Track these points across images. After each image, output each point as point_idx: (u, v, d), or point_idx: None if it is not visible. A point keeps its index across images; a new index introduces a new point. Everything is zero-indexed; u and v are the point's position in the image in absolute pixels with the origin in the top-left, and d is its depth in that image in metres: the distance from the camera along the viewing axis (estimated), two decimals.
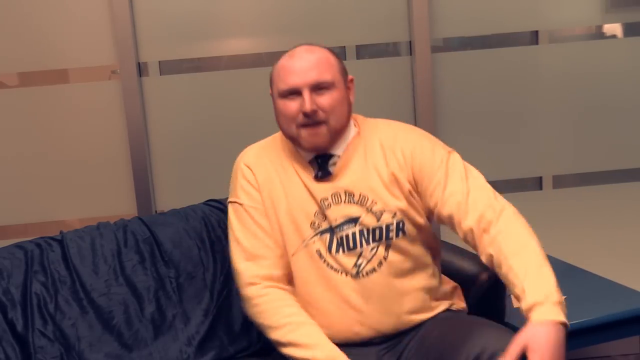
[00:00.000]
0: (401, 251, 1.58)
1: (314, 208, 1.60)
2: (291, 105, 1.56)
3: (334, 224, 1.58)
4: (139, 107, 2.41)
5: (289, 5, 2.44)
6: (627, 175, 2.60)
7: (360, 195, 1.58)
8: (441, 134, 2.46)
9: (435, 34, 2.48)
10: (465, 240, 1.54)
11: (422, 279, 1.62)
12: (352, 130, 1.65)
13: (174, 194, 2.50)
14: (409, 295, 1.59)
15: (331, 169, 1.60)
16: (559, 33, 2.53)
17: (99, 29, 2.40)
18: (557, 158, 2.59)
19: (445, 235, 2.06)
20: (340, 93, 1.58)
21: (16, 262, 1.85)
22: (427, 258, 1.65)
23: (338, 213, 1.58)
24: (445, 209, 1.54)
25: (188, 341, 1.84)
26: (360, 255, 1.57)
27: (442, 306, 1.65)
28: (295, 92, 1.55)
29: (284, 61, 1.59)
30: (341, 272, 1.57)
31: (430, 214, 1.61)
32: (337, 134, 1.59)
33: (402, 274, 1.59)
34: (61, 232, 1.96)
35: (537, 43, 2.52)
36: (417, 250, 1.61)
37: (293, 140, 1.61)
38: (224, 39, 2.46)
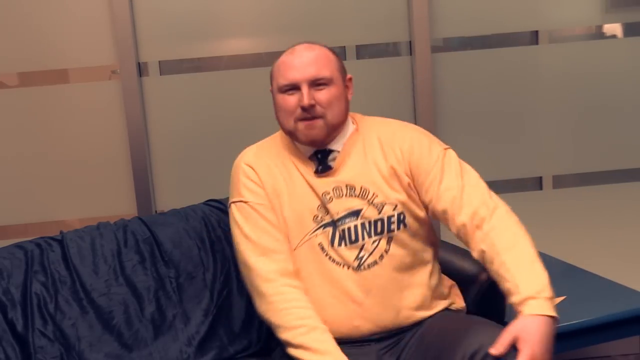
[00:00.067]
0: (402, 245, 1.60)
1: (316, 202, 1.62)
2: (290, 100, 1.60)
3: (335, 217, 1.60)
4: (139, 107, 2.41)
5: (289, 5, 2.45)
6: (627, 175, 2.60)
7: (361, 189, 1.61)
8: (441, 134, 2.45)
9: (435, 34, 2.48)
10: (458, 235, 1.57)
11: (422, 275, 1.63)
12: (350, 127, 1.69)
13: (174, 194, 2.50)
14: (409, 290, 1.61)
15: (331, 163, 1.64)
16: (559, 33, 2.53)
17: (99, 29, 2.40)
18: (557, 158, 2.59)
19: (445, 236, 2.06)
20: (338, 89, 1.62)
21: (16, 262, 1.85)
22: (428, 255, 1.66)
23: (340, 206, 1.60)
24: (440, 204, 1.58)
25: (188, 341, 1.84)
26: (362, 248, 1.59)
27: (441, 305, 1.66)
28: (294, 87, 1.59)
29: (284, 57, 1.64)
30: (343, 265, 1.59)
31: (426, 209, 1.64)
32: (334, 129, 1.63)
33: (403, 268, 1.60)
34: (61, 232, 1.96)
35: (537, 43, 2.52)
36: (418, 245, 1.63)
37: (291, 134, 1.65)
38: (224, 39, 2.46)
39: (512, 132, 2.56)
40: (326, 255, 1.60)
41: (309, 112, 1.58)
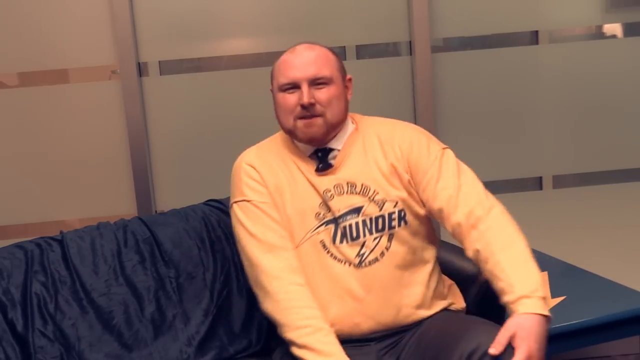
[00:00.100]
0: (403, 242, 1.61)
1: (318, 200, 1.63)
2: (290, 99, 1.62)
3: (337, 214, 1.61)
4: (139, 107, 2.41)
5: (289, 5, 2.45)
6: (627, 175, 2.60)
7: (362, 186, 1.62)
8: (441, 134, 2.46)
9: (435, 34, 2.48)
10: (453, 234, 1.59)
11: (423, 274, 1.64)
12: (350, 127, 1.71)
13: (174, 194, 2.50)
14: (410, 288, 1.62)
15: (331, 162, 1.65)
16: (559, 33, 2.53)
17: (99, 29, 2.40)
18: (557, 158, 2.59)
19: (445, 236, 2.06)
20: (337, 89, 1.64)
21: (16, 262, 1.85)
22: (428, 254, 1.67)
23: (341, 204, 1.62)
24: (436, 203, 1.59)
25: (188, 341, 1.84)
26: (363, 245, 1.60)
27: (440, 305, 1.66)
28: (294, 86, 1.61)
29: (285, 56, 1.66)
30: (344, 263, 1.60)
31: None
32: (333, 127, 1.64)
33: (404, 265, 1.61)
34: (61, 232, 1.96)
35: (537, 43, 2.52)
36: (418, 243, 1.64)
37: (290, 132, 1.66)
38: (224, 39, 2.46)
39: (512, 132, 2.56)
40: (328, 252, 1.61)
41: (308, 111, 1.60)
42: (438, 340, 1.50)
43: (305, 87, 1.60)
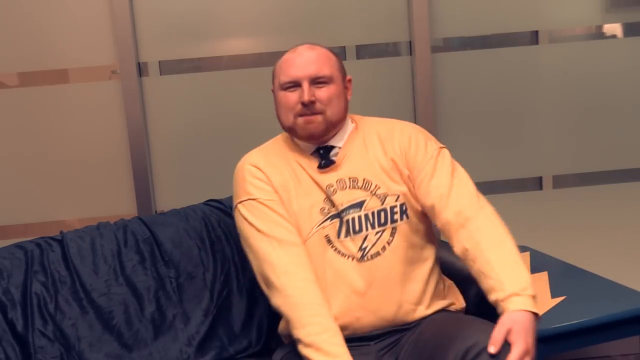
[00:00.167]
0: (404, 237, 1.63)
1: (322, 196, 1.65)
2: (291, 97, 1.65)
3: (340, 207, 1.63)
4: (139, 107, 2.41)
5: (289, 5, 2.45)
6: (627, 175, 2.60)
7: (364, 180, 1.66)
8: (441, 134, 2.46)
9: (435, 34, 2.48)
10: (442, 230, 1.62)
11: (423, 271, 1.66)
12: (350, 126, 1.75)
13: (174, 194, 2.50)
14: (411, 284, 1.63)
15: (333, 159, 1.68)
16: (559, 33, 2.53)
17: (99, 29, 2.40)
18: (557, 158, 2.59)
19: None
20: (337, 88, 1.67)
21: (16, 262, 1.85)
22: (428, 252, 1.68)
23: (344, 198, 1.64)
24: (429, 199, 1.62)
25: (188, 341, 1.84)
26: (365, 238, 1.62)
27: (440, 305, 1.67)
28: (295, 84, 1.64)
29: (286, 56, 1.69)
30: (347, 257, 1.61)
31: None
32: (333, 125, 1.67)
33: (405, 261, 1.63)
34: (61, 232, 1.97)
35: (537, 43, 2.52)
36: (419, 240, 1.66)
37: (290, 130, 1.69)
38: (224, 39, 2.46)
39: (512, 132, 2.56)
40: (332, 247, 1.62)
41: (309, 109, 1.63)
42: (435, 340, 1.51)
43: (306, 85, 1.63)
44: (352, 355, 1.51)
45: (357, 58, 2.49)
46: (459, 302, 1.74)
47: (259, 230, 1.63)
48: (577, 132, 2.57)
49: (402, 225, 1.63)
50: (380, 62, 2.50)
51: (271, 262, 1.60)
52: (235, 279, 1.94)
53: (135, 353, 1.81)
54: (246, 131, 2.47)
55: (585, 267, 2.02)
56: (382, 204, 1.64)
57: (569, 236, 2.58)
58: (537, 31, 2.51)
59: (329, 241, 1.63)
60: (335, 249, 1.62)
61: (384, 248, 1.61)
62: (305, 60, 1.65)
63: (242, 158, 1.75)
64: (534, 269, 2.01)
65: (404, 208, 1.64)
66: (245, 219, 1.66)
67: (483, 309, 1.70)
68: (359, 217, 1.63)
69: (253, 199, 1.66)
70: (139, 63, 2.43)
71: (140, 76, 2.44)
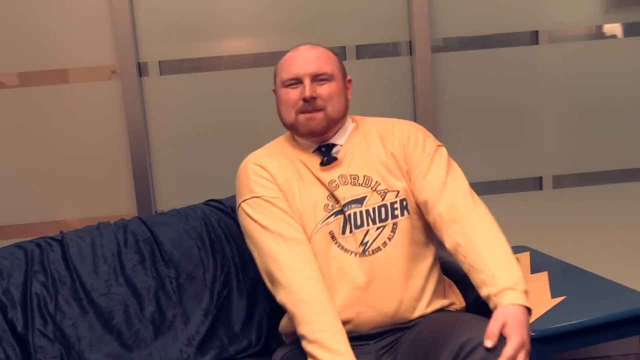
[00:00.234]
0: (405, 233, 1.64)
1: (325, 192, 1.67)
2: (292, 93, 1.68)
3: (342, 202, 1.65)
4: (139, 107, 2.41)
5: (289, 5, 2.45)
6: (627, 175, 2.60)
7: (364, 177, 1.68)
8: (441, 134, 2.46)
9: (435, 34, 2.48)
10: (434, 225, 1.63)
11: (423, 268, 1.66)
12: (351, 125, 1.77)
13: (174, 194, 2.50)
14: (411, 280, 1.64)
15: (335, 156, 1.71)
16: (559, 33, 2.53)
17: (99, 29, 2.40)
18: (557, 158, 2.59)
19: None
20: (338, 86, 1.70)
21: (16, 262, 1.85)
22: (428, 250, 1.69)
23: (346, 193, 1.66)
24: (422, 195, 1.65)
25: (188, 341, 1.84)
26: (366, 233, 1.63)
27: (440, 304, 1.68)
28: (297, 81, 1.68)
29: (288, 54, 1.73)
30: (350, 252, 1.62)
31: None
32: (334, 123, 1.70)
33: (406, 257, 1.64)
34: (61, 232, 1.97)
35: (537, 43, 2.52)
36: (419, 237, 1.67)
37: (291, 127, 1.71)
38: (224, 39, 2.46)
39: (512, 132, 2.56)
40: (336, 243, 1.63)
41: (310, 104, 1.66)
42: (432, 338, 1.51)
43: (307, 82, 1.66)
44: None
45: (357, 58, 2.49)
46: (459, 302, 1.74)
47: (263, 227, 1.64)
48: (577, 132, 2.57)
49: (403, 221, 1.65)
50: (380, 62, 2.50)
51: (276, 259, 1.60)
52: (235, 279, 1.94)
53: (135, 353, 1.81)
54: (246, 131, 2.47)
55: (585, 267, 2.02)
56: (383, 199, 1.66)
57: (569, 236, 2.58)
58: (537, 31, 2.51)
59: (333, 237, 1.64)
60: (339, 245, 1.63)
61: (384, 243, 1.63)
62: (307, 58, 1.68)
63: (246, 158, 1.76)
64: (534, 269, 2.01)
65: (404, 204, 1.66)
66: (250, 217, 1.67)
67: (483, 309, 1.70)
68: (360, 213, 1.64)
69: (257, 197, 1.67)
70: (139, 63, 2.43)
71: (140, 76, 2.44)
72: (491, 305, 1.46)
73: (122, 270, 1.89)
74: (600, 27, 2.54)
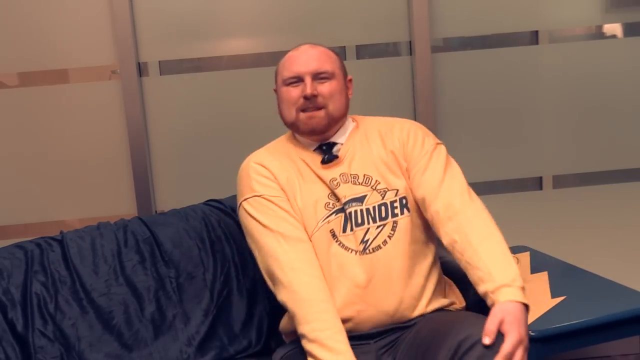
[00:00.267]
0: (406, 232, 1.65)
1: (326, 191, 1.68)
2: (293, 92, 1.69)
3: (343, 200, 1.65)
4: (139, 107, 2.41)
5: (289, 5, 2.45)
6: (627, 175, 2.60)
7: (364, 176, 1.68)
8: (441, 134, 2.46)
9: (435, 34, 2.48)
10: (431, 222, 1.64)
11: (423, 267, 1.67)
12: (351, 125, 1.78)
13: (174, 194, 2.50)
14: (412, 279, 1.64)
15: (336, 154, 1.71)
16: (559, 33, 2.53)
17: (99, 29, 2.40)
18: (557, 158, 2.59)
19: None
20: (339, 84, 1.71)
21: (16, 262, 1.85)
22: (428, 249, 1.70)
23: (347, 191, 1.67)
24: (420, 192, 1.66)
25: (188, 341, 1.84)
26: (367, 231, 1.63)
27: (440, 303, 1.68)
28: (298, 80, 1.69)
29: (289, 54, 1.74)
30: (350, 250, 1.63)
31: None
32: (335, 121, 1.71)
33: (407, 255, 1.64)
34: (61, 232, 1.97)
35: (537, 43, 2.52)
36: (419, 235, 1.68)
37: (292, 125, 1.72)
38: (224, 39, 2.46)
39: (512, 132, 2.56)
40: (337, 241, 1.64)
41: (311, 102, 1.67)
42: (430, 337, 1.51)
43: (308, 80, 1.67)
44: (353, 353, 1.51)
45: (357, 58, 2.49)
46: (459, 302, 1.75)
47: (264, 226, 1.64)
48: (577, 132, 2.57)
49: (403, 220, 1.65)
50: (380, 62, 2.50)
51: (277, 258, 1.60)
52: (235, 279, 1.94)
53: (135, 353, 1.81)
54: (246, 131, 2.47)
55: (585, 267, 2.02)
56: (383, 198, 1.66)
57: (569, 236, 2.58)
58: (537, 31, 2.51)
59: (334, 235, 1.64)
60: (340, 243, 1.63)
61: (385, 242, 1.63)
62: (308, 57, 1.69)
63: (247, 158, 1.77)
64: (534, 269, 2.01)
65: (404, 202, 1.66)
66: (251, 216, 1.67)
67: (483, 309, 1.70)
68: (361, 211, 1.64)
69: (258, 196, 1.67)
70: (139, 63, 2.43)
71: (140, 76, 2.44)
72: (488, 302, 1.46)
73: (122, 270, 1.89)
74: (600, 27, 2.54)
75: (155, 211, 2.49)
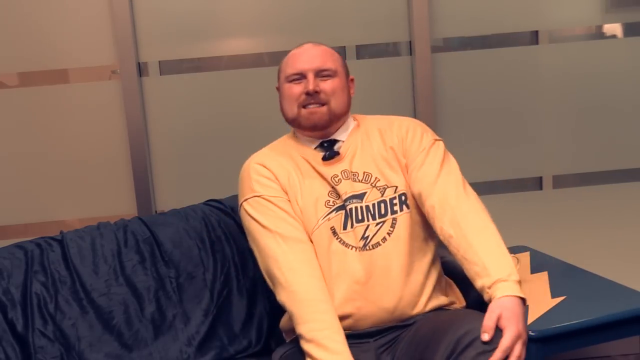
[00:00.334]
0: (405, 229, 1.65)
1: (327, 188, 1.69)
2: (296, 88, 1.71)
3: (344, 197, 1.66)
4: (139, 107, 2.41)
5: (289, 5, 2.45)
6: (627, 175, 2.60)
7: (364, 174, 1.70)
8: (441, 134, 2.44)
9: (435, 34, 2.48)
10: (428, 216, 1.64)
11: (423, 264, 1.67)
12: (352, 123, 1.80)
13: (174, 194, 2.50)
14: (412, 275, 1.64)
15: (337, 150, 1.72)
16: (559, 33, 2.53)
17: (99, 29, 2.40)
18: (557, 158, 2.59)
19: None
20: (341, 82, 1.73)
21: (16, 262, 1.85)
22: (428, 246, 1.70)
23: (347, 187, 1.68)
24: (416, 187, 1.67)
25: (188, 341, 1.84)
26: (367, 228, 1.64)
27: (440, 301, 1.68)
28: (300, 77, 1.70)
29: (292, 52, 1.76)
30: (351, 247, 1.63)
31: None
32: (337, 117, 1.72)
33: (406, 252, 1.64)
34: (61, 232, 1.97)
35: (537, 43, 2.52)
36: (419, 232, 1.68)
37: (293, 121, 1.73)
38: (224, 39, 2.46)
39: (512, 132, 2.56)
40: (337, 238, 1.64)
41: (313, 98, 1.68)
42: (429, 334, 1.52)
43: (311, 76, 1.68)
44: (352, 352, 1.51)
45: (357, 58, 2.49)
46: (459, 302, 1.75)
47: (263, 227, 1.65)
48: (577, 132, 2.57)
49: (402, 216, 1.66)
50: (380, 62, 2.50)
51: (276, 258, 1.61)
52: (235, 279, 1.94)
53: (135, 353, 1.81)
54: (246, 131, 2.47)
55: (585, 267, 2.02)
56: (382, 195, 1.67)
57: (569, 236, 2.58)
58: (537, 31, 2.51)
59: (334, 233, 1.64)
60: (340, 240, 1.64)
61: (384, 239, 1.63)
62: (311, 55, 1.71)
63: (249, 158, 1.78)
64: (534, 269, 2.01)
65: (403, 199, 1.67)
66: (251, 216, 1.67)
67: (484, 309, 1.70)
68: (361, 208, 1.65)
69: (258, 196, 1.68)
70: (139, 63, 2.43)
71: (140, 76, 2.44)
72: (486, 297, 1.46)
73: (122, 270, 1.89)
74: (600, 27, 2.54)
75: (155, 211, 2.49)
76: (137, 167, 2.44)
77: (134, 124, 2.42)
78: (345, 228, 1.64)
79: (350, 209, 1.65)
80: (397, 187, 1.68)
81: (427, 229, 1.69)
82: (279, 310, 1.69)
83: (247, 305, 1.93)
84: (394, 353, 1.60)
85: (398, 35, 2.49)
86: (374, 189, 1.68)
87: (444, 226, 1.58)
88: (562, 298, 1.78)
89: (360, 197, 1.67)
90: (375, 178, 1.69)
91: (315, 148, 1.74)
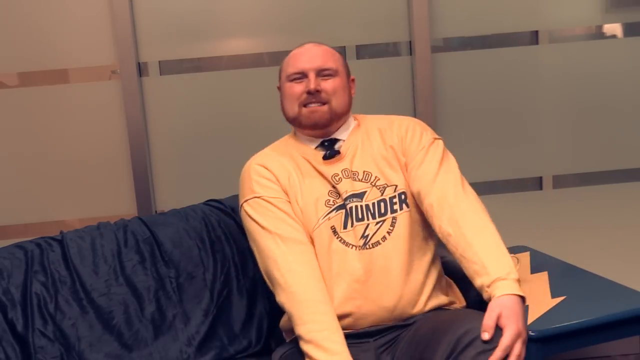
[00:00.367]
0: (405, 227, 1.65)
1: (328, 187, 1.69)
2: (297, 87, 1.71)
3: (344, 196, 1.67)
4: (139, 107, 2.41)
5: (289, 5, 2.45)
6: (627, 175, 2.60)
7: (364, 173, 1.70)
8: (441, 134, 2.44)
9: (435, 34, 2.48)
10: (426, 215, 1.64)
11: (423, 263, 1.67)
12: (353, 123, 1.80)
13: (174, 194, 2.50)
14: (412, 274, 1.64)
15: (338, 150, 1.73)
16: (559, 33, 2.53)
17: (99, 29, 2.40)
18: (557, 158, 2.59)
19: None
20: (342, 81, 1.74)
21: (16, 262, 1.85)
22: (428, 245, 1.70)
23: (348, 186, 1.68)
24: (415, 185, 1.67)
25: (188, 341, 1.84)
26: (367, 227, 1.64)
27: (440, 300, 1.68)
28: (302, 76, 1.71)
29: (294, 51, 1.77)
30: (351, 246, 1.63)
31: None
32: (337, 117, 1.73)
33: (406, 251, 1.64)
34: (61, 232, 1.97)
35: (537, 43, 2.52)
36: (420, 230, 1.69)
37: (294, 120, 1.74)
38: (224, 39, 2.46)
39: (512, 132, 2.56)
40: (337, 237, 1.64)
41: (314, 97, 1.69)
42: (429, 334, 1.52)
43: (312, 76, 1.69)
44: (352, 352, 1.51)
45: (357, 58, 2.49)
46: (460, 302, 1.75)
47: (263, 228, 1.65)
48: (577, 132, 2.57)
49: (402, 215, 1.66)
50: (380, 62, 2.50)
51: (275, 260, 1.61)
52: (235, 279, 1.94)
53: (135, 353, 1.81)
54: (246, 131, 2.47)
55: (585, 267, 2.02)
56: (382, 194, 1.67)
57: (569, 236, 2.58)
58: (537, 31, 2.51)
59: (335, 232, 1.65)
60: (340, 239, 1.64)
61: (384, 238, 1.64)
62: (312, 54, 1.72)
63: (250, 159, 1.78)
64: (534, 269, 2.01)
65: (402, 197, 1.67)
66: (251, 217, 1.68)
67: (484, 309, 1.70)
68: (361, 207, 1.66)
69: (258, 197, 1.68)
70: (139, 63, 2.43)
71: (140, 76, 2.44)
72: (485, 296, 1.46)
73: (122, 270, 1.89)
74: (600, 27, 2.54)
75: (155, 211, 2.49)
76: (137, 167, 2.44)
77: (134, 124, 2.42)
78: (345, 227, 1.64)
79: (350, 208, 1.65)
80: (396, 186, 1.68)
81: (427, 228, 1.70)
82: (279, 310, 1.69)
83: (247, 305, 1.93)
84: (394, 353, 1.60)
85: (398, 35, 2.49)
86: (374, 188, 1.68)
87: (442, 224, 1.58)
88: (562, 298, 1.78)
89: (360, 196, 1.67)
90: (375, 177, 1.69)
91: (316, 147, 1.74)
